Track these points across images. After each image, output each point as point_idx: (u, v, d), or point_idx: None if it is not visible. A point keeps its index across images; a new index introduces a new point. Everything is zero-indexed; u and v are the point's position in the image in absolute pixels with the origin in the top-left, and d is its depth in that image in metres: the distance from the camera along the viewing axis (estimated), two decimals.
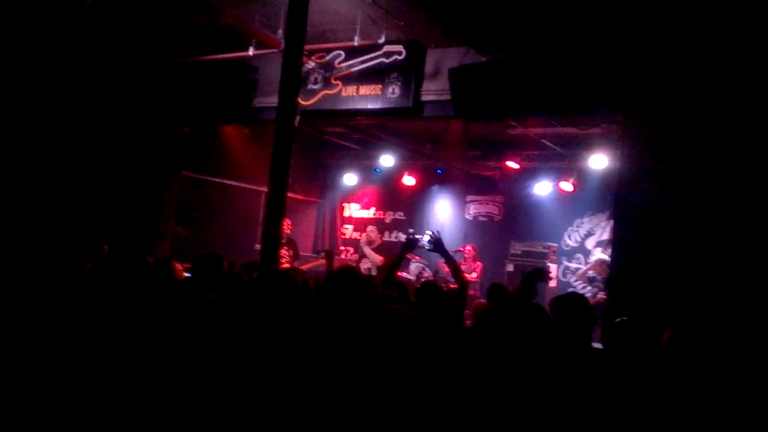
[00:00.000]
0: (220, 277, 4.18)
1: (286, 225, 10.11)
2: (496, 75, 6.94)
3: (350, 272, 3.41)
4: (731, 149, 5.63)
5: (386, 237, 12.11)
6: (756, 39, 5.52)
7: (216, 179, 10.59)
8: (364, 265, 9.73)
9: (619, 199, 6.48)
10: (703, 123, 5.78)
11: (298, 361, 2.58)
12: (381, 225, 12.52)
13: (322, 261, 9.77)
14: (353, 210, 13.35)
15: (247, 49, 7.65)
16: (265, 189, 6.11)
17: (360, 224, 13.08)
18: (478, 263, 10.25)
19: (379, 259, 9.24)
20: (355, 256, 12.42)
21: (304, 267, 9.77)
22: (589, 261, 10.71)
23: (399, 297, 4.03)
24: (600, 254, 10.00)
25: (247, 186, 11.05)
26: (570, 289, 10.34)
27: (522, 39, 6.82)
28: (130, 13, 7.41)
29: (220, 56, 8.12)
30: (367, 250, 9.54)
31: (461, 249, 10.25)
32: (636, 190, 6.12)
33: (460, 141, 10.64)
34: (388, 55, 7.42)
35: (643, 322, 3.46)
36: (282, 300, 2.61)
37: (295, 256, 9.83)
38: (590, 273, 10.25)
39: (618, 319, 3.46)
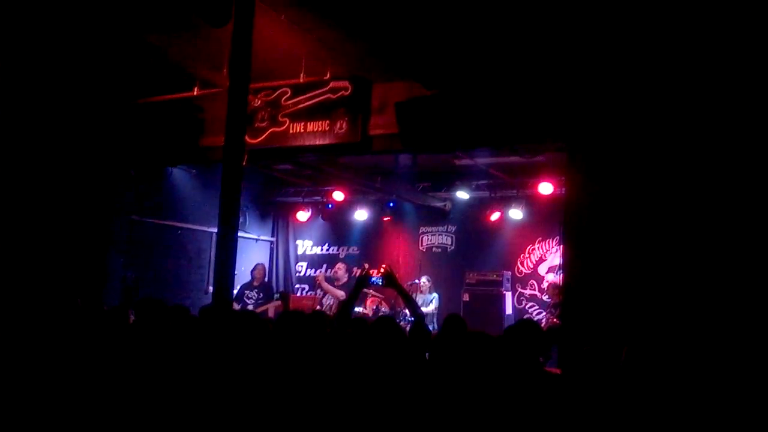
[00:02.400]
0: (166, 321, 4.09)
1: (260, 270, 10.08)
2: (441, 108, 7.03)
3: (298, 316, 3.37)
4: (675, 172, 5.79)
5: None
6: (696, 64, 5.74)
7: (165, 222, 10.41)
8: (327, 301, 9.66)
9: (567, 225, 6.59)
10: (645, 147, 5.94)
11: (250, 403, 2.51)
12: (334, 260, 12.48)
13: (278, 303, 9.72)
14: (307, 247, 13.26)
15: (192, 90, 7.61)
16: (215, 230, 6.03)
17: (314, 261, 12.99)
18: (435, 294, 10.27)
19: (340, 294, 9.19)
20: (311, 294, 12.31)
21: (259, 309, 9.66)
22: (542, 287, 10.85)
23: (355, 334, 4.00)
24: (552, 278, 10.13)
25: (197, 228, 10.89)
26: (526, 316, 10.43)
27: (466, 72, 6.95)
28: (72, 55, 7.30)
29: (165, 97, 8.05)
30: (326, 286, 9.50)
31: (416, 281, 10.26)
32: (583, 215, 6.24)
33: (410, 173, 10.73)
34: (334, 90, 7.47)
35: (603, 347, 3.50)
36: (230, 342, 2.56)
37: (266, 300, 9.77)
38: (544, 297, 10.40)
39: (582, 348, 3.48)
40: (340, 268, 9.84)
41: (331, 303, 9.47)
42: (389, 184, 10.57)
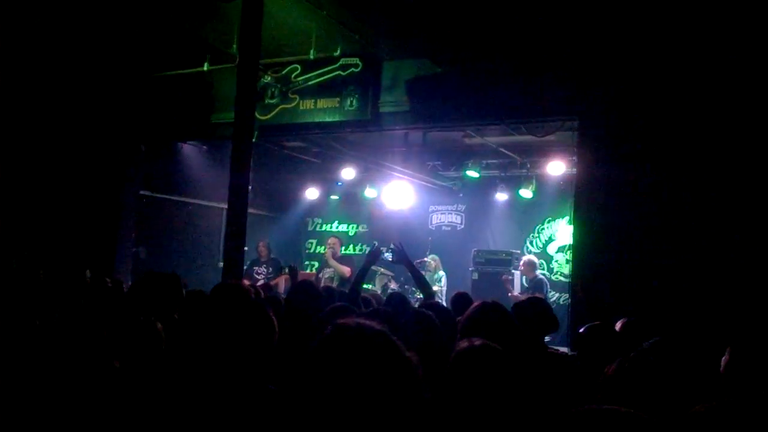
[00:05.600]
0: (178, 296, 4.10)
1: (263, 246, 10.11)
2: (452, 85, 7.01)
3: (309, 286, 3.38)
4: (686, 150, 5.75)
5: (350, 250, 12.07)
6: (710, 45, 5.67)
7: (175, 198, 10.44)
8: (326, 275, 9.68)
9: (577, 204, 6.57)
10: (658, 126, 5.90)
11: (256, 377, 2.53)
12: (344, 238, 12.48)
13: (287, 276, 9.75)
14: (317, 224, 13.29)
15: (202, 65, 7.59)
16: (225, 206, 6.05)
17: (324, 238, 13.02)
18: (442, 273, 10.28)
19: (346, 270, 9.19)
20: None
21: (272, 282, 9.71)
22: (552, 266, 10.84)
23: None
24: (527, 255, 10.04)
25: (208, 203, 10.92)
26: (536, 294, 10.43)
27: (477, 50, 6.90)
28: (83, 30, 7.29)
29: (176, 72, 8.04)
30: (333, 263, 9.48)
31: (425, 259, 10.27)
32: (593, 194, 6.22)
33: (420, 152, 10.69)
34: (344, 67, 7.44)
35: (610, 325, 3.51)
36: (235, 314, 2.56)
37: (275, 274, 9.82)
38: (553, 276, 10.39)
39: (585, 326, 3.48)
40: (336, 243, 9.74)
41: (330, 276, 9.46)
42: (399, 162, 10.54)
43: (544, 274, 10.89)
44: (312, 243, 13.29)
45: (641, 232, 5.85)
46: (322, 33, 6.97)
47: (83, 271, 6.04)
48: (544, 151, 9.88)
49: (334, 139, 9.41)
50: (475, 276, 10.35)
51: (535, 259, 9.70)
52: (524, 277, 9.69)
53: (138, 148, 9.26)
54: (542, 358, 3.33)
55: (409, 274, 5.58)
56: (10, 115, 7.60)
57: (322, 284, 9.42)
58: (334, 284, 9.04)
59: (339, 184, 12.43)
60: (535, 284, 9.21)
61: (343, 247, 11.95)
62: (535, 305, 3.88)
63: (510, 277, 9.57)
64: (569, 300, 8.84)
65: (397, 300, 4.37)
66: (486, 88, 6.85)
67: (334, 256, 9.42)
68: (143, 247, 9.64)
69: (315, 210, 13.22)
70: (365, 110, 7.40)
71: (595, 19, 6.03)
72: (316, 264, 12.87)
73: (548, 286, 9.43)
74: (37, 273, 5.85)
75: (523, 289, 9.52)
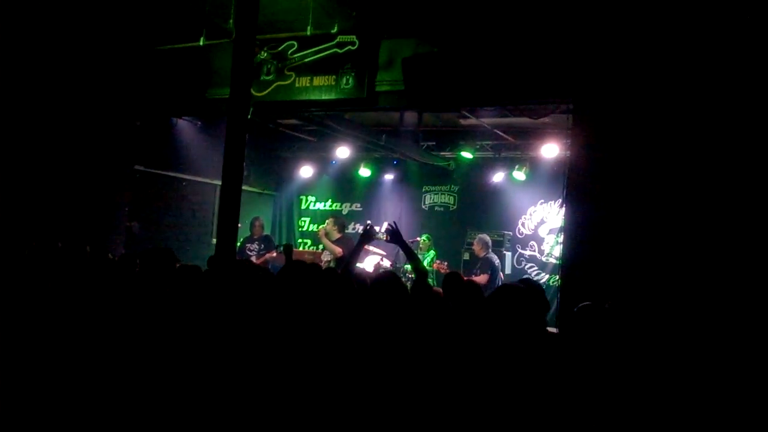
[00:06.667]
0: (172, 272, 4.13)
1: (258, 224, 10.17)
2: (448, 65, 6.98)
3: (302, 266, 3.41)
4: (681, 134, 5.77)
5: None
6: (707, 26, 5.67)
7: (170, 173, 10.43)
8: (325, 258, 9.71)
9: (569, 187, 6.60)
10: (652, 110, 5.91)
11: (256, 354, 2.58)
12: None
13: (272, 254, 9.86)
14: (310, 202, 13.31)
15: (198, 40, 7.53)
16: (219, 182, 6.04)
17: (317, 216, 13.05)
18: (432, 252, 10.34)
19: (337, 251, 9.21)
20: (312, 249, 12.39)
21: (260, 260, 9.75)
22: (542, 248, 10.92)
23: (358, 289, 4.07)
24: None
25: (202, 180, 10.92)
26: (525, 276, 10.51)
27: (474, 29, 6.87)
28: (77, 3, 7.22)
29: (171, 46, 7.98)
30: (325, 242, 9.50)
31: (417, 239, 10.32)
32: (586, 177, 6.25)
33: (415, 131, 10.69)
34: (341, 45, 7.39)
35: (600, 307, 3.56)
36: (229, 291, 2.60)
37: (267, 251, 9.89)
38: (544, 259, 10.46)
39: (577, 306, 3.53)
40: (330, 223, 9.71)
41: (328, 259, 9.49)
42: (394, 142, 10.54)
43: (533, 256, 11.00)
44: (305, 221, 13.32)
45: (633, 215, 5.89)
46: (319, 9, 6.92)
47: (82, 246, 6.04)
48: (538, 134, 9.91)
49: (329, 117, 9.38)
50: (466, 257, 10.41)
51: (488, 238, 9.73)
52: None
53: (133, 122, 9.21)
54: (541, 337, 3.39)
55: (402, 253, 5.63)
56: (2, 90, 7.55)
57: (322, 264, 9.48)
58: (331, 265, 9.10)
59: (333, 162, 12.43)
60: (483, 262, 9.30)
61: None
62: (529, 287, 3.92)
63: (443, 264, 9.68)
64: (558, 282, 8.96)
65: (388, 277, 4.40)
66: (481, 69, 6.83)
67: (327, 237, 9.42)
68: (136, 222, 9.65)
69: (309, 188, 13.22)
70: (361, 89, 7.37)
71: (592, 2, 6.02)
72: (309, 242, 12.92)
73: (499, 269, 9.46)
74: (29, 245, 5.86)
75: (472, 268, 9.60)
